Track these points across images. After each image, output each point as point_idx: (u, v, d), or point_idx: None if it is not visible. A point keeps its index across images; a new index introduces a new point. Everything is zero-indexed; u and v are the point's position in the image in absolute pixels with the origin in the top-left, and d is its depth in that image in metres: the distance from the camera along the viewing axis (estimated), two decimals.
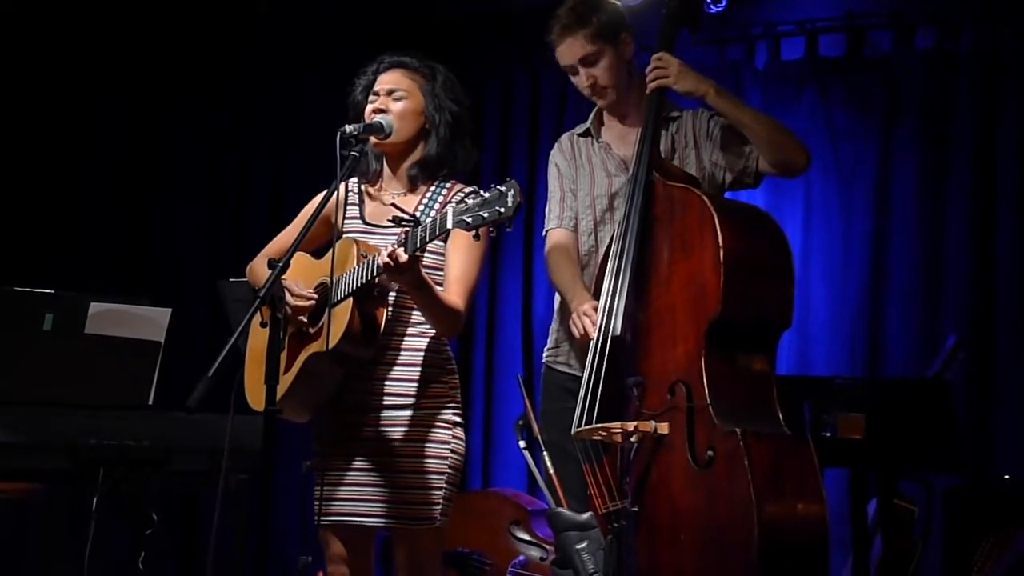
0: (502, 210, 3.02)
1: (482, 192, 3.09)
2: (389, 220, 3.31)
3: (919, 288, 5.56)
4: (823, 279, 5.74)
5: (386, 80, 3.61)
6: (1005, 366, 5.37)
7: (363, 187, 3.68)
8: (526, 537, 5.16)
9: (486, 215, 3.05)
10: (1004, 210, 5.44)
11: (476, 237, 3.13)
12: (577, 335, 3.66)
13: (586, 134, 4.04)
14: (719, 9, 4.10)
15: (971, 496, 4.84)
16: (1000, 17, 5.50)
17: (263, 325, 3.29)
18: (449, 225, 3.12)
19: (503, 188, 3.05)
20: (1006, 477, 4.87)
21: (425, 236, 3.19)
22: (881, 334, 5.61)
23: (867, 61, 5.76)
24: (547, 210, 4.06)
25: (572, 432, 3.53)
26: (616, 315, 3.53)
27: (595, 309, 3.60)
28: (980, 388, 5.37)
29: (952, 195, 5.54)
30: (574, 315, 3.68)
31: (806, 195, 5.78)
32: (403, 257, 3.20)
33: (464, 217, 3.08)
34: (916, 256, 5.58)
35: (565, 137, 4.09)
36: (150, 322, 4.41)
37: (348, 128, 3.47)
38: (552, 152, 4.09)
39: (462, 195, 3.52)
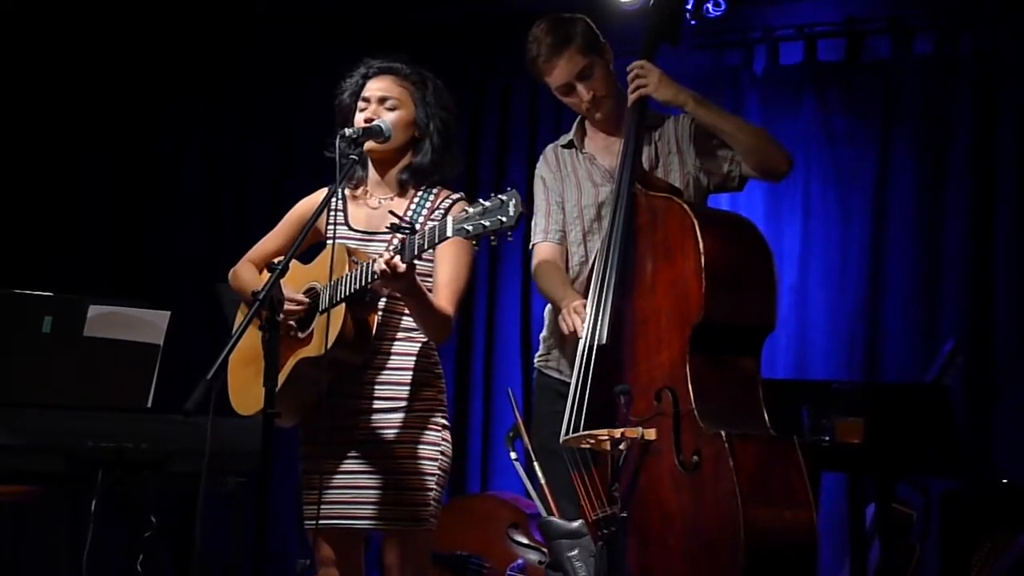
0: (504, 219, 3.01)
1: (483, 201, 3.06)
2: (387, 227, 3.30)
3: (918, 292, 5.56)
4: (822, 283, 5.74)
5: (376, 87, 3.58)
6: (1003, 370, 5.37)
7: (345, 192, 3.66)
8: (524, 541, 5.16)
9: (487, 224, 3.03)
10: (1003, 213, 5.45)
11: (476, 245, 3.12)
12: (566, 331, 3.66)
13: (569, 145, 4.03)
14: (718, 13, 4.09)
15: (969, 500, 4.84)
16: (998, 21, 5.51)
17: (261, 327, 3.29)
18: (449, 233, 3.09)
19: (504, 197, 3.03)
20: (1004, 481, 4.87)
21: (423, 244, 3.18)
22: (879, 338, 5.61)
23: (866, 66, 5.77)
24: (533, 223, 4.05)
25: (560, 440, 3.55)
26: (602, 324, 3.55)
27: (584, 307, 3.61)
28: (978, 392, 5.37)
29: (951, 199, 5.55)
30: (564, 311, 3.68)
31: (805, 199, 5.78)
32: (400, 265, 3.19)
33: (464, 225, 3.06)
34: (915, 260, 5.58)
35: (549, 149, 4.08)
36: (149, 325, 4.42)
37: (347, 131, 3.46)
38: (538, 165, 4.07)
39: (450, 201, 3.54)
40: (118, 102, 6.66)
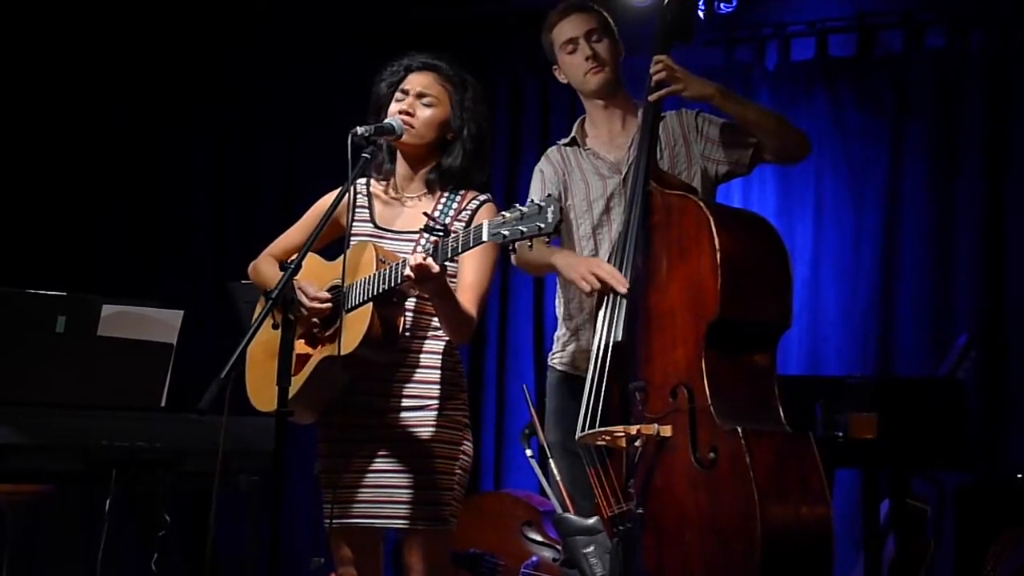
0: (542, 225, 2.99)
1: (519, 206, 3.05)
2: (420, 228, 3.29)
3: (930, 286, 5.56)
4: (834, 278, 5.74)
5: (417, 81, 3.55)
6: (1016, 364, 5.37)
7: (371, 189, 3.65)
8: (538, 538, 5.16)
9: (524, 229, 3.01)
10: (1014, 208, 5.45)
11: (512, 251, 3.11)
12: (587, 289, 3.65)
13: (572, 143, 4.06)
14: (729, 9, 4.09)
15: (983, 495, 4.84)
16: (1010, 16, 5.51)
17: (275, 327, 3.28)
18: (485, 238, 3.08)
19: (542, 203, 3.01)
20: (1019, 476, 4.86)
21: (457, 247, 3.16)
22: (892, 333, 5.61)
23: (877, 61, 5.77)
24: None
25: (576, 437, 3.56)
26: (617, 322, 3.56)
27: (601, 263, 3.63)
28: (991, 386, 5.37)
29: (962, 194, 5.55)
30: (580, 267, 3.68)
31: (817, 194, 5.78)
32: (432, 267, 3.17)
33: (501, 230, 3.04)
34: (927, 255, 5.58)
35: (553, 148, 4.11)
36: (162, 324, 4.42)
37: (360, 129, 3.43)
38: (540, 162, 4.10)
39: (477, 203, 3.52)
40: (127, 103, 6.67)
